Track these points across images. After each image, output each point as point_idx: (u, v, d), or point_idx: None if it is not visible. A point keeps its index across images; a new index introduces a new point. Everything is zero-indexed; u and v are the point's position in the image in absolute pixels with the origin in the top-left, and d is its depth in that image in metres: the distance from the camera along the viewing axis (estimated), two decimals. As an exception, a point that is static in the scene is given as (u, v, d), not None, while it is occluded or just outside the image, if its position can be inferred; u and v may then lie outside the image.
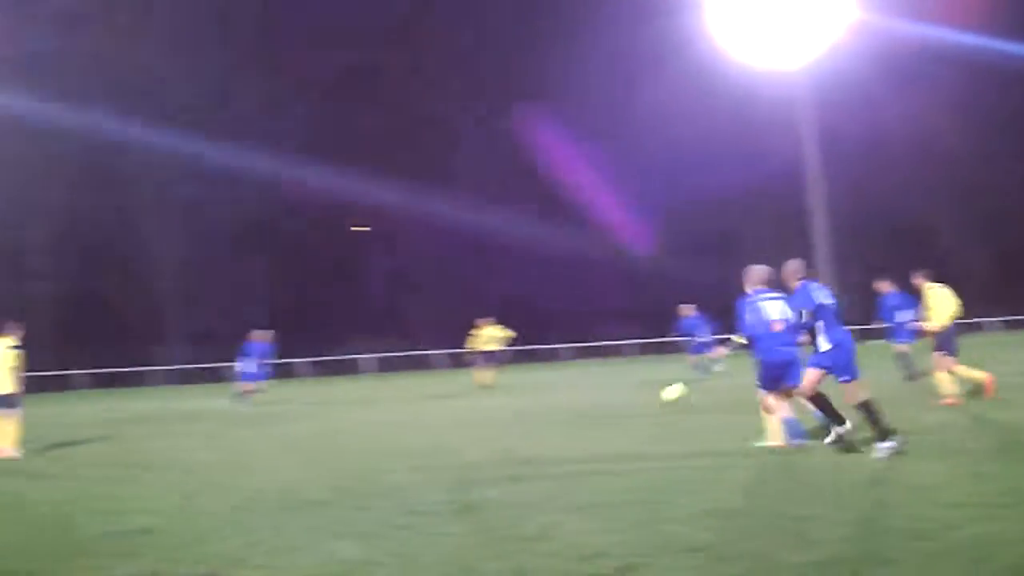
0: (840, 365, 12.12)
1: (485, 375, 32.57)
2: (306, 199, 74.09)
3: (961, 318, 18.98)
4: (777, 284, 13.22)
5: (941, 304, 18.70)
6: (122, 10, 71.87)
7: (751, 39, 63.45)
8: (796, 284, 12.72)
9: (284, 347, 62.19)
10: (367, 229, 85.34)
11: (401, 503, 10.09)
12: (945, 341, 18.40)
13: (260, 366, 30.48)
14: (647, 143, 74.26)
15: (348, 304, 75.28)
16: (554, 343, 69.42)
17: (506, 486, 10.83)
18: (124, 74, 71.19)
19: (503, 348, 33.30)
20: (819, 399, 12.35)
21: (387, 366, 64.75)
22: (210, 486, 12.14)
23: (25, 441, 18.14)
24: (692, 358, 32.77)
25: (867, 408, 11.81)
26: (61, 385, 62.11)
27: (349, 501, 10.46)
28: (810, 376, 12.27)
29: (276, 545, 8.41)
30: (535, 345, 64.99)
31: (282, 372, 63.61)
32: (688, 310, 32.76)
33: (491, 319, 33.43)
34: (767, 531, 7.88)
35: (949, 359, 18.32)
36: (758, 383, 13.26)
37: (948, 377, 18.19)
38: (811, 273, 12.97)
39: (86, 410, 34.45)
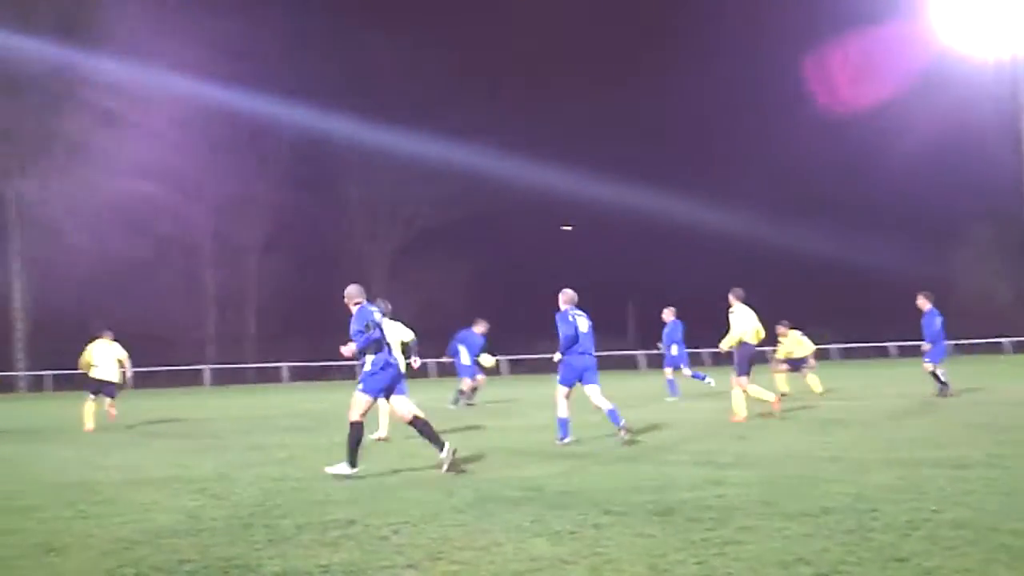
0: (377, 388, 13.42)
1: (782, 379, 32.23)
2: (518, 196, 74.58)
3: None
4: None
5: (738, 324, 20.13)
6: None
7: (966, 27, 62.17)
8: (353, 308, 13.75)
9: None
10: (571, 228, 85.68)
11: (598, 503, 10.00)
12: (742, 361, 20.10)
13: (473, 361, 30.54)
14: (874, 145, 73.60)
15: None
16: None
17: (707, 488, 10.67)
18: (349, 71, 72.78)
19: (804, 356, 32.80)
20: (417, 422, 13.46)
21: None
22: (411, 481, 12.23)
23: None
24: None
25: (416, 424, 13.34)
26: (269, 377, 63.81)
27: (545, 499, 10.41)
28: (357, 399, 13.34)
29: (472, 541, 8.38)
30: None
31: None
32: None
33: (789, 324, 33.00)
34: (978, 545, 7.58)
35: (744, 379, 19.98)
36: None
37: (741, 395, 19.85)
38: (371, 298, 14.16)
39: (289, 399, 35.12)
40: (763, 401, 20.29)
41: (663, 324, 30.21)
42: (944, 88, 69.39)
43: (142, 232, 71.69)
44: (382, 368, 13.32)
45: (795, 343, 30.16)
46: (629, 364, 65.07)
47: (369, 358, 13.41)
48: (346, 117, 70.16)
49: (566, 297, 17.53)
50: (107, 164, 68.46)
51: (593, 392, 16.90)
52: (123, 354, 25.23)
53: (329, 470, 12.86)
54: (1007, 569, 6.83)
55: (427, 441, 13.27)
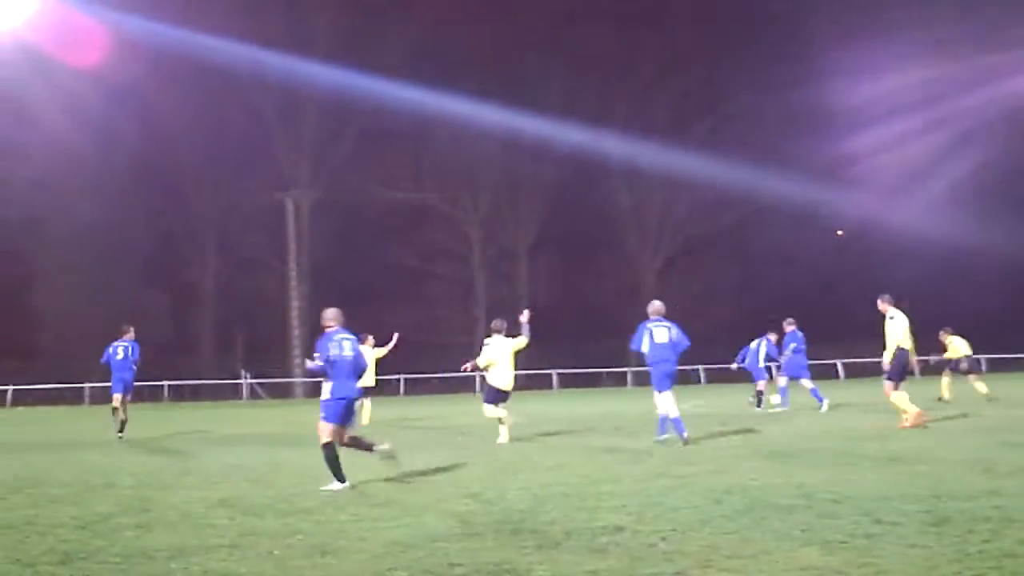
0: (336, 414, 13.59)
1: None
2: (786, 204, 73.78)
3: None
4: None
5: (895, 330, 20.60)
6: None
7: None
8: (325, 330, 14.02)
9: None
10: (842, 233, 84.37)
11: (869, 511, 9.81)
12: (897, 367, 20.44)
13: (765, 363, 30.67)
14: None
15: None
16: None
17: (984, 498, 10.37)
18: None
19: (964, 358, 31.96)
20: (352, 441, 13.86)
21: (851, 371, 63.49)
22: (679, 487, 12.18)
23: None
24: None
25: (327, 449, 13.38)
26: (542, 383, 64.49)
27: (816, 507, 10.27)
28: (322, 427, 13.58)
29: (741, 550, 8.33)
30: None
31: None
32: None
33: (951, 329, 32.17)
34: None
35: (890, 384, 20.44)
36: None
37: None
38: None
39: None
40: (903, 413, 20.27)
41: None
42: None
43: (415, 240, 73.72)
44: (336, 399, 13.63)
45: (957, 347, 29.95)
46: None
47: (326, 386, 13.74)
48: (612, 131, 71.02)
49: (651, 309, 19.98)
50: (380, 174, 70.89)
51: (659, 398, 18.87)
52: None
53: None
54: None
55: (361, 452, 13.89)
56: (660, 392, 18.72)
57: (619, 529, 9.44)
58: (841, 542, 8.48)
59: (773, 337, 30.56)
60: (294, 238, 73.98)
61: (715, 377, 63.26)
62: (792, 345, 29.59)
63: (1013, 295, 71.22)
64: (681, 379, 42.66)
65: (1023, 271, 71.17)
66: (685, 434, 18.09)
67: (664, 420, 18.97)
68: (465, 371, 22.52)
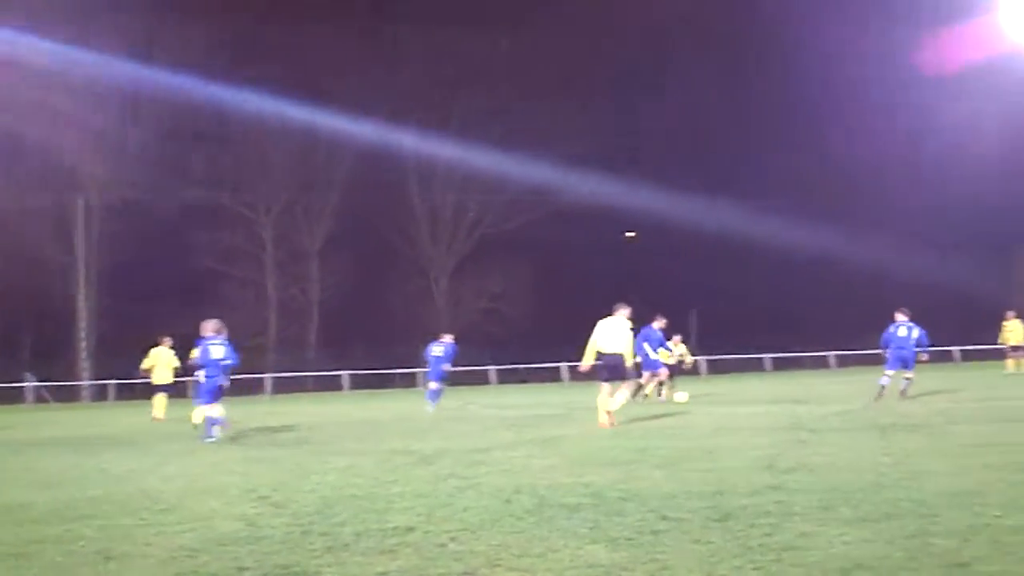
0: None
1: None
2: (580, 204, 74.66)
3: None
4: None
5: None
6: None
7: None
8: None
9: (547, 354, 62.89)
10: (634, 235, 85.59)
11: (656, 508, 9.97)
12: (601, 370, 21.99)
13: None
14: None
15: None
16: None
17: (766, 494, 10.63)
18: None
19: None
20: None
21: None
22: (469, 488, 12.21)
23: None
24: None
25: None
26: (329, 385, 64.20)
27: (603, 505, 10.39)
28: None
29: (530, 548, 8.37)
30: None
31: (541, 376, 64.47)
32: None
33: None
34: (1043, 549, 7.52)
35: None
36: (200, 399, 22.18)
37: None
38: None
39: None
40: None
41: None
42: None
43: (208, 240, 72.79)
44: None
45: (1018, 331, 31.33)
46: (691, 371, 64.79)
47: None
48: (410, 126, 70.90)
49: (208, 327, 22.41)
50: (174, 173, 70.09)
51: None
52: (176, 362, 26.78)
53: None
54: (1070, 574, 6.78)
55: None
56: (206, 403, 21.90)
57: (409, 530, 9.42)
58: (627, 539, 8.58)
59: (659, 324, 31.63)
60: (84, 239, 72.34)
61: (506, 378, 63.81)
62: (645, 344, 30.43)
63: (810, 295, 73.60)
64: (473, 380, 42.99)
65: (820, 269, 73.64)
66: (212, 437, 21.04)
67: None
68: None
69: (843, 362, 67.13)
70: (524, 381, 63.25)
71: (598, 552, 8.12)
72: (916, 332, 27.71)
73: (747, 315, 72.46)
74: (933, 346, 29.32)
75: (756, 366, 68.42)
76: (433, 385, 33.16)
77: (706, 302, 75.28)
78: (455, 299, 79.31)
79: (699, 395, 33.13)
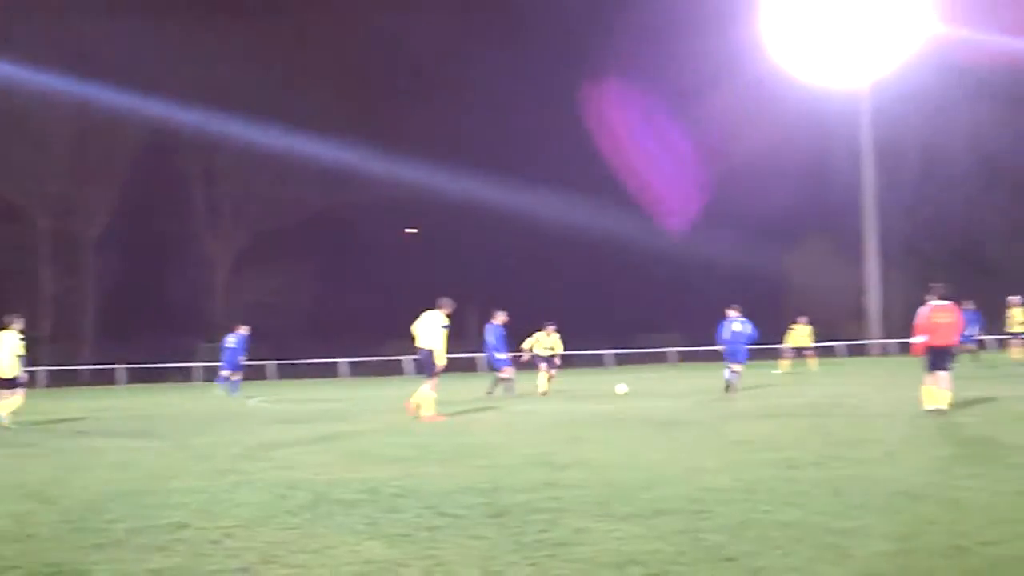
0: None
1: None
2: (364, 198, 74.31)
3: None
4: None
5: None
6: None
7: (816, 56, 63.98)
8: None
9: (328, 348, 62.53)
10: (416, 231, 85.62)
11: (433, 505, 10.01)
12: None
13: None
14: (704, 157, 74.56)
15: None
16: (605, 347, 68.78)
17: (542, 491, 10.74)
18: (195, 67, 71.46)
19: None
20: None
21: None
22: (245, 484, 12.08)
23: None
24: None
25: None
26: (105, 379, 62.74)
27: (380, 502, 10.39)
28: None
29: (306, 545, 8.33)
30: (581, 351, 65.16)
31: (322, 371, 64.03)
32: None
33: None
34: (806, 543, 7.74)
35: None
36: None
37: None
38: None
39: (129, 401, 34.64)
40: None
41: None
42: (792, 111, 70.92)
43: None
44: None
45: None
46: (469, 366, 64.80)
47: None
48: (191, 114, 69.40)
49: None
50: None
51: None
52: None
53: None
54: (833, 567, 7.00)
55: None
56: None
57: (183, 526, 9.28)
58: (404, 535, 8.59)
59: (500, 320, 31.39)
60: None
61: (285, 373, 63.30)
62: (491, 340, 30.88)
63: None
64: (252, 374, 42.52)
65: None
66: None
67: None
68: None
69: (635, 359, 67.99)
70: (303, 376, 62.62)
71: (375, 548, 8.12)
72: (749, 328, 28.90)
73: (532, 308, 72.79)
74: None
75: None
76: (226, 373, 33.22)
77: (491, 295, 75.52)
78: (235, 292, 78.06)
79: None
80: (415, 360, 22.25)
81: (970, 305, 38.25)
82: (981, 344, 42.52)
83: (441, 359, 21.87)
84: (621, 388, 29.47)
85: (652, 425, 18.78)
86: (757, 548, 7.66)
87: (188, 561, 7.86)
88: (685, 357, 67.21)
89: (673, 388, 32.25)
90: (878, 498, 9.60)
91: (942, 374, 19.09)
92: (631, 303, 76.82)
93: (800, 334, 43.37)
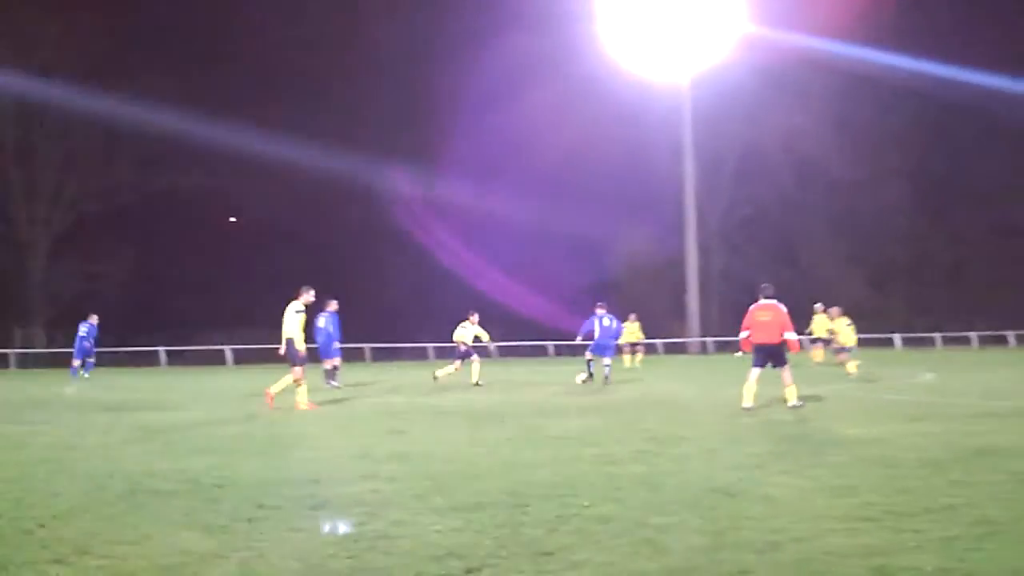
0: None
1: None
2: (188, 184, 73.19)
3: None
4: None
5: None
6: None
7: (640, 50, 64.65)
8: None
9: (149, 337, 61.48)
10: (235, 221, 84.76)
11: (252, 496, 9.94)
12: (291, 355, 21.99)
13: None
14: (527, 153, 74.81)
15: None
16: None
17: (362, 483, 10.73)
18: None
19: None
20: None
21: (243, 358, 63.23)
22: (61, 472, 11.86)
23: None
24: None
25: None
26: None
27: (199, 492, 10.28)
28: None
29: (122, 535, 8.20)
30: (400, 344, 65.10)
31: (142, 360, 62.99)
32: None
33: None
34: (624, 538, 7.86)
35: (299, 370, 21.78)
36: None
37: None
38: None
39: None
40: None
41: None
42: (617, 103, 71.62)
43: None
44: None
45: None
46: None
47: None
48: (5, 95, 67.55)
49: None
50: None
51: None
52: None
53: None
54: (649, 561, 7.10)
55: None
56: None
57: (-7, 517, 9.10)
58: (222, 526, 8.52)
59: (333, 308, 31.59)
60: None
61: (102, 361, 62.10)
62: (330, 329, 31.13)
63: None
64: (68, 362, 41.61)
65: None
66: None
67: None
68: None
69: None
70: (122, 365, 61.45)
71: (192, 539, 8.03)
72: (615, 323, 30.37)
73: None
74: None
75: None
76: (76, 363, 33.84)
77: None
78: (53, 278, 76.10)
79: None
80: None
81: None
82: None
83: (300, 346, 21.95)
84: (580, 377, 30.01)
85: (472, 419, 18.84)
86: (575, 542, 7.76)
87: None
88: (505, 352, 67.48)
89: (495, 382, 32.36)
90: (694, 494, 9.77)
91: (782, 372, 19.80)
92: (451, 297, 77.05)
93: (630, 330, 44.05)
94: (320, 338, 31.09)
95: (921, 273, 79.75)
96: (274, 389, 22.27)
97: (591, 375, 29.43)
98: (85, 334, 40.75)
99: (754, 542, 7.66)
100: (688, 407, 21.07)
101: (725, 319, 72.21)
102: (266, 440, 15.47)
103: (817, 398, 21.75)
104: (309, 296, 22.48)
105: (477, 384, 30.19)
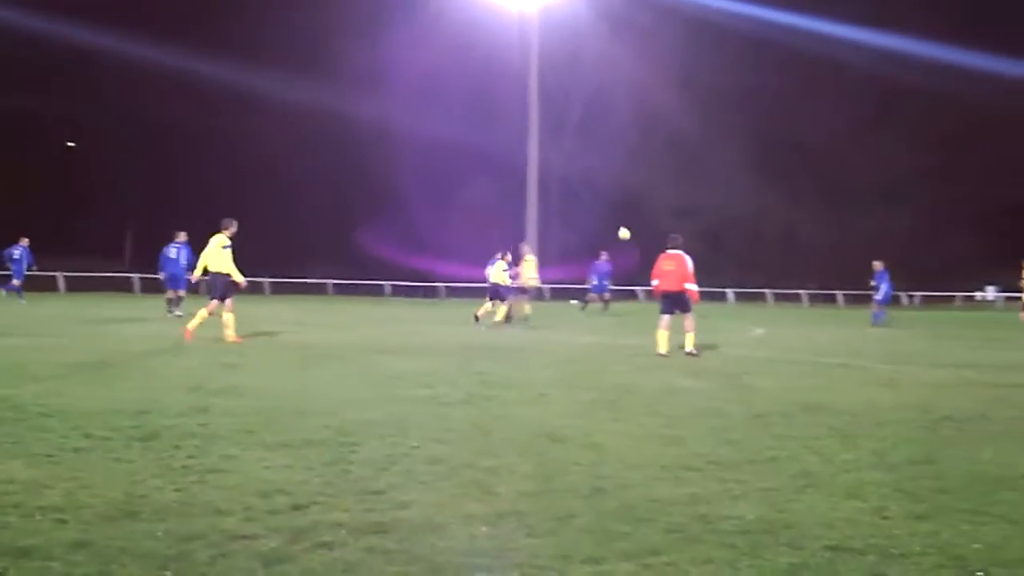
0: None
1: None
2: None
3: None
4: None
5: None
6: None
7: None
8: None
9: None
10: (72, 145, 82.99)
11: (79, 425, 9.80)
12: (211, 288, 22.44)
13: None
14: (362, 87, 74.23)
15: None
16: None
17: (193, 416, 10.65)
18: None
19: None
20: None
21: (76, 285, 62.16)
22: None
23: None
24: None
25: None
26: None
27: (26, 420, 10.11)
28: None
29: (-61, 463, 8.05)
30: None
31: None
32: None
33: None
34: (452, 480, 7.91)
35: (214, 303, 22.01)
36: None
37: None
38: None
39: None
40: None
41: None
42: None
43: None
44: None
45: None
46: (125, 286, 63.43)
47: None
48: None
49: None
50: None
51: None
52: None
53: None
54: (478, 503, 7.15)
55: None
56: None
57: None
58: (48, 456, 8.40)
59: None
60: None
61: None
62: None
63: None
64: None
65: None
66: None
67: None
68: None
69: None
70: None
71: (16, 468, 7.90)
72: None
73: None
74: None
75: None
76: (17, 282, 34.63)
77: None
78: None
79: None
80: (206, 282, 22.08)
81: (605, 256, 40.61)
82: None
83: (237, 277, 22.13)
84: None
85: (309, 356, 18.81)
86: (403, 482, 7.79)
87: None
88: (340, 290, 67.33)
89: (331, 320, 32.28)
90: (524, 438, 9.86)
91: (685, 318, 20.77)
92: (289, 232, 76.44)
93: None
94: (170, 268, 30.85)
95: (756, 231, 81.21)
96: (192, 324, 22.08)
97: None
98: (19, 256, 41.48)
99: (581, 488, 7.76)
100: (522, 352, 21.22)
101: (564, 266, 72.80)
102: (96, 368, 15.27)
103: (648, 350, 22.05)
104: (233, 229, 22.48)
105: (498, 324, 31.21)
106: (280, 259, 70.67)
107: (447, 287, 73.54)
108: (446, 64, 72.19)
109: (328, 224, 77.79)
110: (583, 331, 29.93)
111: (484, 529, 6.52)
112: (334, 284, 71.10)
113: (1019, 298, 42.29)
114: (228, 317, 21.90)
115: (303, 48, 77.84)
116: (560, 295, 66.07)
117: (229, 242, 22.26)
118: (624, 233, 26.60)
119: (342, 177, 77.76)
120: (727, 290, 70.12)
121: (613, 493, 7.61)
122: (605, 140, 78.74)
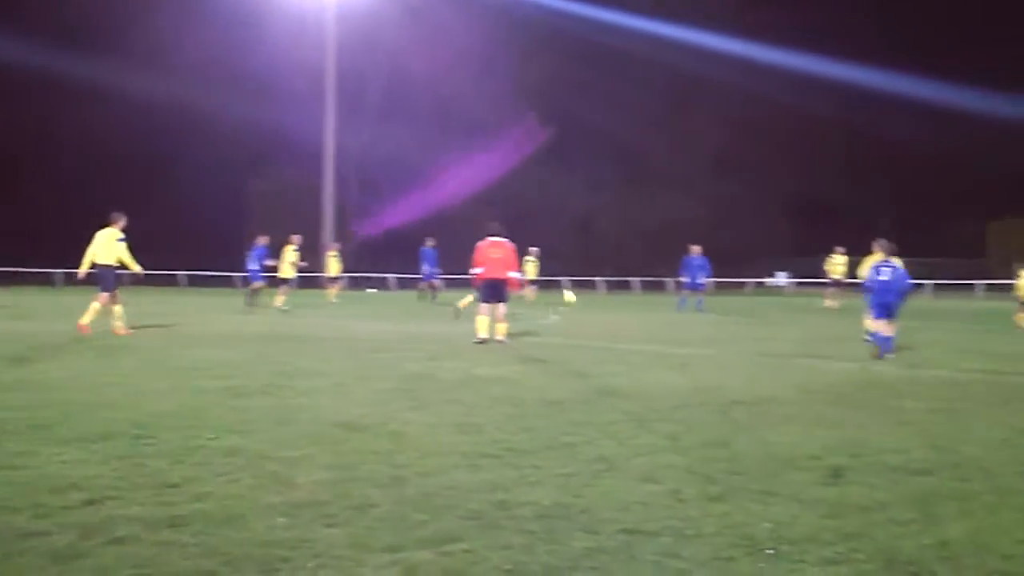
0: None
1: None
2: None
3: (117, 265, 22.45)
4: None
5: None
6: None
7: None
8: None
9: None
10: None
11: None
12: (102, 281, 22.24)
13: None
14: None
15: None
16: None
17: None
18: None
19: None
20: None
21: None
22: None
23: None
24: None
25: None
26: None
27: None
28: None
29: None
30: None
31: None
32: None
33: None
34: (250, 471, 7.90)
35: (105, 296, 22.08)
36: None
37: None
38: None
39: None
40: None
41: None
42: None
43: None
44: None
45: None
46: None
47: None
48: None
49: None
50: None
51: None
52: None
53: None
54: (275, 495, 7.15)
55: None
56: None
57: None
58: None
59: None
60: None
61: None
62: None
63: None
64: None
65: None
66: None
67: None
68: None
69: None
70: None
71: None
72: None
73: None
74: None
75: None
76: None
77: None
78: None
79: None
80: (95, 276, 21.65)
81: (431, 243, 40.79)
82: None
83: (134, 267, 22.55)
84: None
85: (104, 349, 18.51)
86: (200, 474, 7.76)
87: None
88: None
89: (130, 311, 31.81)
90: (322, 428, 9.88)
91: (499, 306, 20.87)
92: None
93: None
94: None
95: (553, 219, 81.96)
96: (84, 320, 21.90)
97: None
98: None
99: (379, 476, 7.81)
100: (320, 342, 21.13)
101: (361, 256, 72.66)
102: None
103: (451, 339, 22.15)
104: (123, 222, 22.58)
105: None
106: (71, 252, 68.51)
107: (243, 278, 72.24)
108: (240, 45, 70.72)
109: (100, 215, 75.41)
110: (386, 319, 29.93)
111: (282, 520, 6.53)
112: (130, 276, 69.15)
113: (826, 284, 43.67)
114: (118, 308, 21.96)
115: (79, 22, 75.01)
116: (359, 285, 65.75)
117: (123, 235, 22.33)
118: (569, 297, 26.83)
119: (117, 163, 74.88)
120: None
121: (412, 481, 7.68)
122: (403, 127, 78.46)
